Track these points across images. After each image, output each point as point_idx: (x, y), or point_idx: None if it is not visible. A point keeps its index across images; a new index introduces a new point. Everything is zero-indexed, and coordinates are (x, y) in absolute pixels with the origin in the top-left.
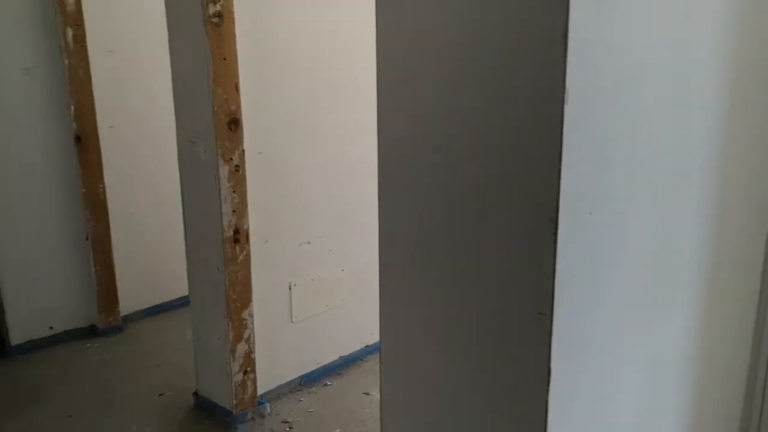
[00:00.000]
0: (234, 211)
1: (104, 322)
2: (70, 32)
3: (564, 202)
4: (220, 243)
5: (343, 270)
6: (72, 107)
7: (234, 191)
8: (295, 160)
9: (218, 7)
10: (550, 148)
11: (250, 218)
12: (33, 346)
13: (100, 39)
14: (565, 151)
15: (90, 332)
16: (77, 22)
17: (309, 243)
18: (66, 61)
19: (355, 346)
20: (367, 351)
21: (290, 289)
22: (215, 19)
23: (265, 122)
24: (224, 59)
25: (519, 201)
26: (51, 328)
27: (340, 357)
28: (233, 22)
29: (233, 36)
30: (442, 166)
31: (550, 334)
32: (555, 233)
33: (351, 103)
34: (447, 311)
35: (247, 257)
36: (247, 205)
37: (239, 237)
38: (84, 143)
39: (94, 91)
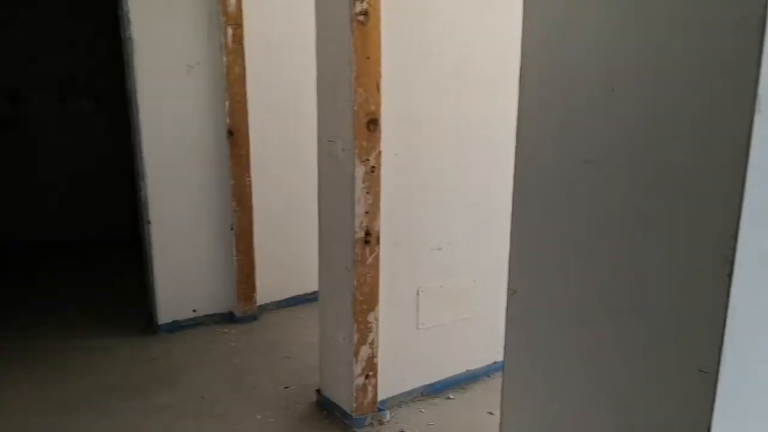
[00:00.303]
0: (366, 212)
1: (241, 309)
2: (230, 31)
3: (744, 237)
4: (351, 243)
5: (474, 280)
6: (227, 103)
7: (368, 192)
8: (432, 163)
9: (365, 4)
10: (732, 167)
11: (382, 220)
12: (177, 326)
13: (256, 38)
14: (750, 172)
15: (228, 318)
16: (237, 22)
17: (440, 249)
18: (225, 59)
19: (483, 361)
20: (495, 367)
21: (418, 295)
22: (361, 17)
23: (404, 123)
24: (368, 58)
25: (685, 232)
26: (194, 311)
27: (467, 371)
28: (379, 20)
29: (378, 34)
30: (592, 185)
31: (713, 395)
32: (729, 275)
33: (496, 105)
34: (582, 352)
35: (377, 260)
36: (380, 207)
37: (370, 239)
38: (235, 137)
39: (248, 88)
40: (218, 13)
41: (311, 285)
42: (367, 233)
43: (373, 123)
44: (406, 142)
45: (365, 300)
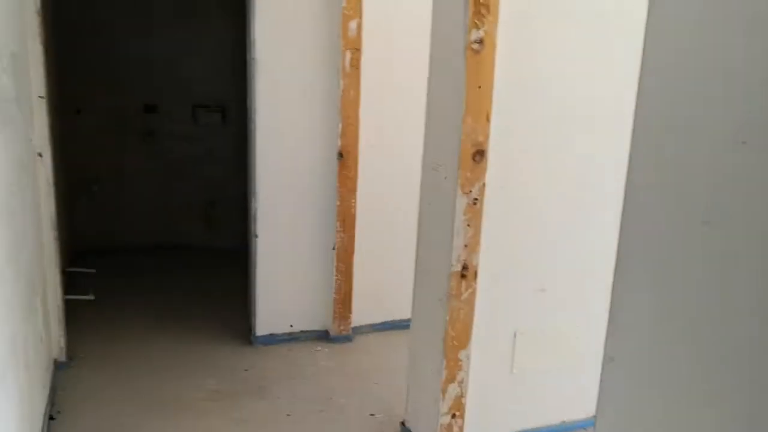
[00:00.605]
0: (465, 245)
1: (336, 329)
2: (348, 56)
3: None
4: (447, 276)
5: (577, 326)
6: (339, 125)
7: (468, 225)
8: (539, 199)
9: (481, 33)
10: None
11: (482, 255)
12: (273, 339)
13: (372, 62)
14: None
15: (322, 336)
16: (356, 46)
17: (543, 290)
18: (341, 82)
19: (581, 413)
20: (593, 422)
21: (515, 336)
22: (476, 46)
23: (511, 155)
24: (479, 87)
25: None
26: (291, 326)
27: (562, 422)
28: (494, 49)
29: (492, 63)
30: (710, 250)
31: None
32: None
33: (606, 146)
34: None
35: (473, 295)
36: (480, 240)
37: (467, 273)
38: (345, 159)
39: (362, 111)
40: (338, 38)
41: (408, 311)
42: (465, 267)
43: (479, 154)
44: (512, 176)
45: (457, 336)
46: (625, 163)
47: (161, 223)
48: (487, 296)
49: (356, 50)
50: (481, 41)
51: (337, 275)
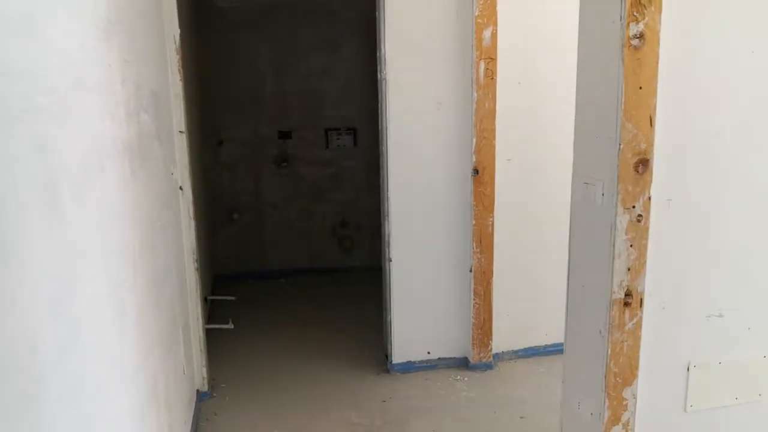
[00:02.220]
0: (629, 269)
1: (476, 356)
2: (482, 66)
3: None
4: (607, 304)
5: (765, 356)
6: (474, 140)
7: (632, 245)
8: (714, 211)
9: (641, 26)
10: None
11: (648, 279)
12: (410, 367)
13: (508, 72)
14: None
15: (461, 364)
16: (491, 56)
17: (720, 316)
18: (475, 94)
19: None
20: None
21: (688, 370)
22: (635, 41)
23: (680, 163)
24: (640, 88)
25: None
26: (428, 353)
27: None
28: (657, 44)
29: (655, 60)
30: None
31: None
32: None
33: None
34: None
35: (638, 326)
36: (645, 262)
37: (631, 300)
38: (481, 176)
39: (498, 124)
40: (471, 48)
41: (554, 336)
42: (628, 293)
43: (642, 164)
44: (683, 186)
45: (621, 372)
46: None
47: (297, 247)
48: (654, 325)
49: (491, 60)
50: (641, 36)
51: (474, 299)
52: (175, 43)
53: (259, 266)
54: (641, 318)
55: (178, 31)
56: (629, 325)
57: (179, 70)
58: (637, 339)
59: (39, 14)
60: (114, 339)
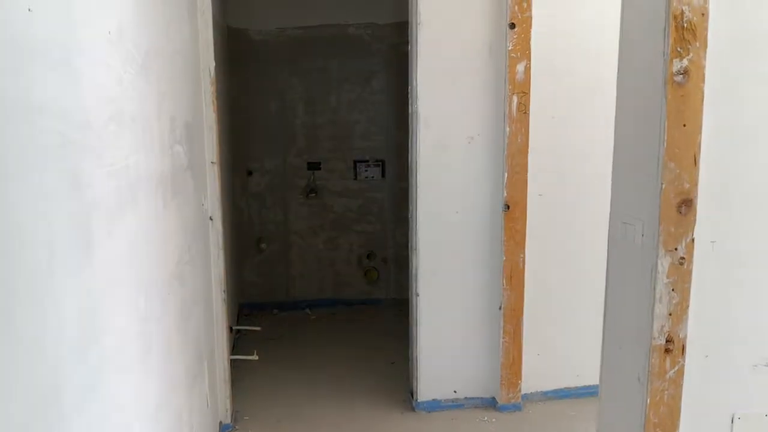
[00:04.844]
0: (670, 314)
1: (505, 397)
2: (515, 100)
3: None
4: (646, 351)
5: None
6: (505, 174)
7: (673, 289)
8: (761, 253)
9: (685, 62)
10: None
11: (690, 325)
12: (436, 405)
13: (542, 106)
14: None
15: (489, 404)
16: (524, 90)
17: (767, 365)
18: (507, 129)
19: None
20: None
21: (733, 422)
22: (679, 78)
23: (725, 204)
24: (683, 125)
25: None
26: (455, 391)
27: None
28: (702, 80)
29: (700, 97)
30: None
31: None
32: None
33: None
34: None
35: (679, 374)
36: (688, 307)
37: (672, 347)
38: (512, 211)
39: (530, 159)
40: (504, 82)
41: (586, 378)
42: (669, 340)
43: (685, 204)
44: (729, 228)
45: (661, 423)
46: None
47: (323, 277)
48: (697, 374)
49: (524, 94)
50: (685, 72)
51: (504, 337)
52: (210, 75)
53: (284, 296)
54: (683, 366)
55: (213, 63)
56: (670, 373)
57: (213, 101)
58: (678, 388)
59: (75, 48)
60: (139, 377)
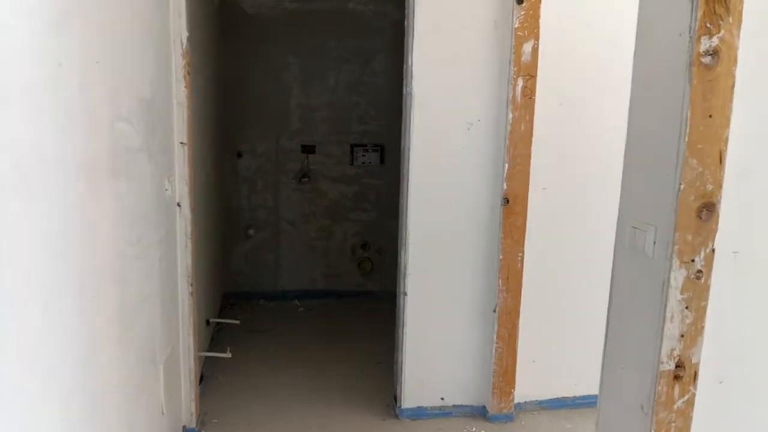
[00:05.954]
0: (682, 335)
1: (496, 406)
2: (520, 83)
3: None
4: (653, 376)
5: None
6: (506, 165)
7: (687, 307)
8: None
9: (714, 41)
10: None
11: (705, 348)
12: (422, 413)
13: (549, 91)
14: None
15: (479, 413)
16: (530, 72)
17: None
18: (510, 115)
19: None
20: None
21: None
22: (707, 59)
23: (753, 210)
24: (709, 116)
25: None
26: (442, 399)
27: None
28: (734, 63)
29: (731, 83)
30: None
31: None
32: None
33: None
34: None
35: (689, 404)
36: (703, 328)
37: (682, 374)
38: (511, 206)
39: (533, 149)
40: (509, 63)
41: (585, 387)
42: (680, 365)
43: (707, 208)
44: (753, 239)
45: None
46: None
47: (314, 267)
48: (710, 404)
49: (530, 77)
50: (715, 52)
51: (497, 342)
52: (183, 46)
53: (272, 286)
54: (694, 395)
55: (186, 33)
56: (679, 403)
57: (185, 76)
58: (687, 420)
59: None
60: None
